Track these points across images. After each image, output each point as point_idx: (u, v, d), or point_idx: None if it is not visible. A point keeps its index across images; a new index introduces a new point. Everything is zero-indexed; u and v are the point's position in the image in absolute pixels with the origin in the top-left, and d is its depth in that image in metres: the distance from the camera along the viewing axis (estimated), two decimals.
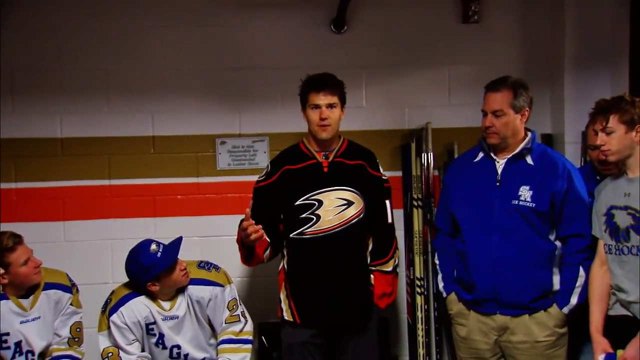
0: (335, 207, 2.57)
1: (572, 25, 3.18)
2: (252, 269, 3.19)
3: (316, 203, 2.57)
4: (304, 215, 2.57)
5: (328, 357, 2.68)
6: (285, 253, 2.69)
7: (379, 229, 2.70)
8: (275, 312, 2.72)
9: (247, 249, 2.57)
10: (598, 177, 2.58)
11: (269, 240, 2.59)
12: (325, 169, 2.62)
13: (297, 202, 2.58)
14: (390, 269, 2.70)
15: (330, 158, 2.63)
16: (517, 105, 2.47)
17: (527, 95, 2.49)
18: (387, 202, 2.72)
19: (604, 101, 2.34)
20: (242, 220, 2.49)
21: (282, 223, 2.65)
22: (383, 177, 2.72)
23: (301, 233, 2.58)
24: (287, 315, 2.65)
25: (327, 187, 2.58)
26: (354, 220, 2.59)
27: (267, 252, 2.63)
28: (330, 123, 2.55)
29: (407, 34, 3.32)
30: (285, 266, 2.68)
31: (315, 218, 2.56)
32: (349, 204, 2.59)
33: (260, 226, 2.43)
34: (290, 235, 2.61)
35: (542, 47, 3.33)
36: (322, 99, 2.54)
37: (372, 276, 2.68)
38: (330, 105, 2.55)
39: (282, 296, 2.69)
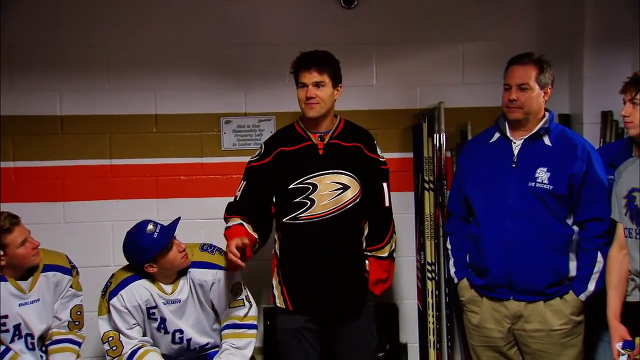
0: (331, 192, 2.52)
1: None
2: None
3: (311, 187, 2.52)
4: (297, 200, 2.52)
5: (324, 343, 2.64)
6: (277, 238, 2.64)
7: (374, 214, 2.63)
8: None
9: None
10: (634, 154, 2.45)
11: (256, 237, 2.55)
12: (321, 151, 2.56)
13: (291, 186, 2.52)
14: (385, 254, 2.63)
15: (326, 140, 2.57)
16: (543, 81, 2.44)
17: (550, 73, 2.47)
18: (384, 185, 2.65)
19: None
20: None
21: (274, 206, 2.59)
22: (380, 159, 2.65)
23: (294, 218, 2.53)
24: (279, 302, 2.62)
25: (322, 171, 2.53)
26: (350, 205, 2.53)
27: (256, 247, 2.58)
28: (318, 102, 2.49)
29: (420, 9, 3.25)
30: (277, 252, 2.64)
31: (309, 203, 2.51)
32: (345, 188, 2.53)
33: (238, 255, 2.40)
34: (283, 220, 2.55)
35: (561, 23, 3.25)
36: (308, 77, 2.48)
37: (366, 262, 2.61)
38: (317, 84, 2.49)
39: (275, 282, 2.65)
